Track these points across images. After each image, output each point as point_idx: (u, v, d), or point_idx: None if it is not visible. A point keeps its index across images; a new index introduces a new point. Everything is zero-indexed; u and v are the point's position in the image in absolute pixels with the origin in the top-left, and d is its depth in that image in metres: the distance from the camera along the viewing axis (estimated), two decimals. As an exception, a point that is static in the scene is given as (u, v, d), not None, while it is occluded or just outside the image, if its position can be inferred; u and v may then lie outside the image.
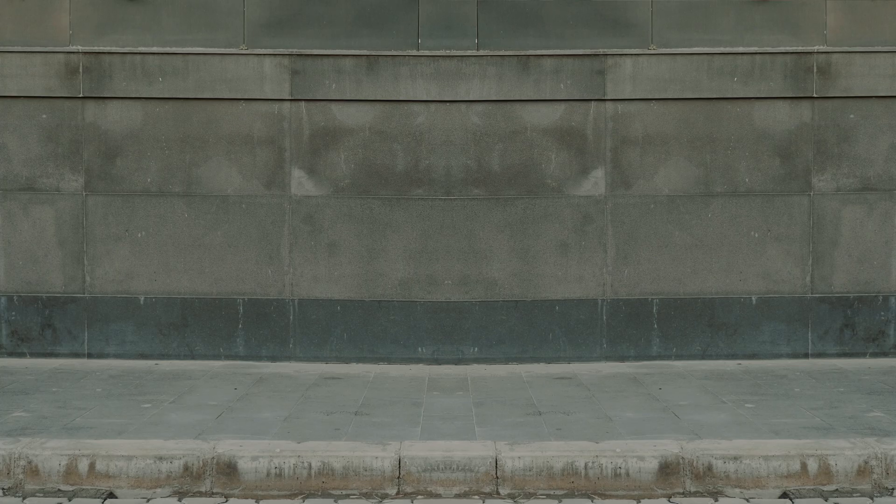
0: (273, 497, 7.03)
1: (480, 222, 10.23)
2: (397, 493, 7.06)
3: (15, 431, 7.60)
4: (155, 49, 10.23)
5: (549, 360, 10.18)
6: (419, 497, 7.03)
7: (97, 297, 10.27)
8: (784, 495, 7.01)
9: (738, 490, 7.08)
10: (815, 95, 10.24)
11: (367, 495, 7.04)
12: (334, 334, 10.26)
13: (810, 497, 6.96)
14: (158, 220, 10.26)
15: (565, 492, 7.08)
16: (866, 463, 7.11)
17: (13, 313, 10.28)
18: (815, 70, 10.23)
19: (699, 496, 7.04)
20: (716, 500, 7.01)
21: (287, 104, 10.24)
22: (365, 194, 10.23)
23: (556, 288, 10.27)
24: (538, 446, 7.26)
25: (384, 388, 9.27)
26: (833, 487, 7.08)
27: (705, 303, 10.29)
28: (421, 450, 7.20)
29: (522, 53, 10.23)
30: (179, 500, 7.01)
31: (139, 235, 10.27)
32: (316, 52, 10.22)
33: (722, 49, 10.24)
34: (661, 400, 8.73)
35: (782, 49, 10.25)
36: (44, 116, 10.21)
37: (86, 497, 6.96)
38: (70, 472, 7.09)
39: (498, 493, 7.08)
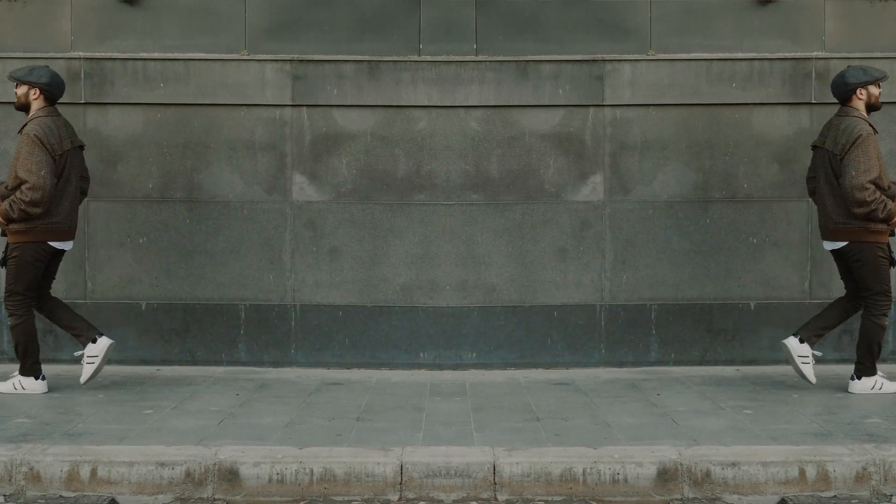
0: (275, 503, 7.02)
1: (479, 227, 10.24)
2: (399, 499, 7.04)
3: (16, 437, 7.58)
4: (156, 55, 10.23)
5: (547, 366, 10.18)
6: (421, 502, 7.01)
7: (99, 302, 10.28)
8: (782, 501, 6.97)
9: (736, 496, 7.06)
10: (813, 101, 10.25)
11: (369, 501, 7.01)
12: (336, 340, 10.26)
13: (808, 503, 6.95)
14: (160, 225, 10.27)
15: (563, 498, 7.06)
16: (864, 469, 7.09)
17: (15, 319, 10.29)
18: (813, 76, 10.23)
19: (697, 502, 7.01)
20: (714, 507, 7.02)
21: (288, 109, 10.24)
22: (366, 200, 10.23)
23: (555, 293, 10.28)
24: (536, 452, 7.24)
25: (386, 393, 9.26)
26: (831, 494, 7.06)
27: (704, 308, 10.29)
28: (423, 455, 7.19)
29: (521, 58, 10.23)
30: (181, 506, 7.02)
31: (141, 241, 10.28)
32: (317, 58, 10.22)
33: (721, 55, 10.24)
34: (660, 406, 8.72)
35: (781, 55, 10.25)
36: (46, 123, 10.20)
37: (87, 503, 6.94)
38: (72, 478, 7.07)
39: (496, 499, 7.05)
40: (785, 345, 9.17)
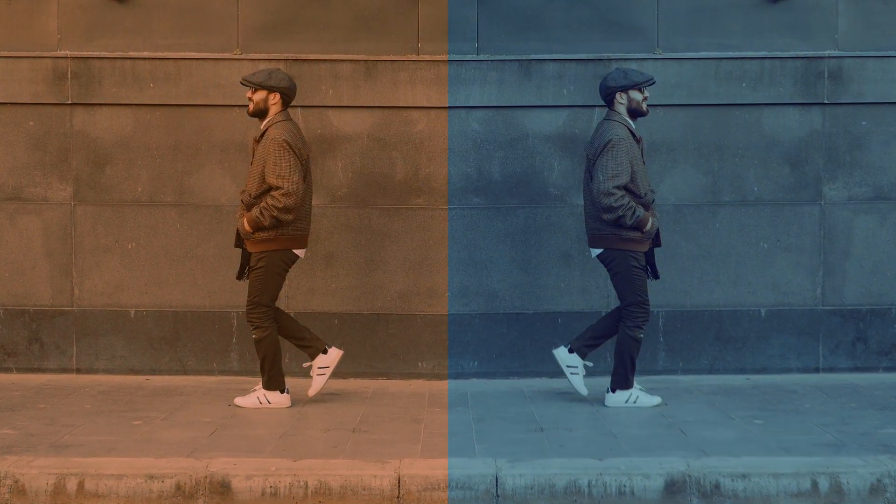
0: (267, 518, 6.97)
1: (480, 232, 10.13)
2: (397, 513, 7.01)
3: (1, 449, 7.54)
4: (146, 54, 10.12)
5: (551, 375, 10.04)
6: (419, 516, 6.99)
7: (86, 310, 10.16)
8: (795, 515, 6.97)
9: (747, 510, 7.06)
10: (826, 101, 10.15)
11: (364, 515, 6.98)
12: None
13: (822, 516, 6.93)
14: (149, 230, 10.16)
15: (568, 511, 7.04)
16: (879, 481, 7.06)
17: (-1, 327, 10.22)
18: (826, 75, 10.13)
19: (707, 516, 7.02)
20: (724, 520, 6.96)
21: (283, 111, 10.12)
22: (363, 204, 10.12)
23: (559, 300, 10.17)
24: (540, 464, 7.22)
25: (383, 403, 9.19)
26: (845, 507, 7.05)
27: (713, 315, 10.19)
28: (421, 468, 7.13)
29: (524, 58, 10.14)
30: (170, 520, 6.96)
31: (129, 246, 10.16)
32: (312, 57, 10.12)
33: (730, 54, 10.15)
34: (667, 416, 8.66)
35: (792, 54, 10.16)
36: (31, 123, 10.11)
37: (74, 517, 6.91)
38: (58, 491, 7.04)
39: (498, 512, 7.04)
40: (554, 355, 9.17)
